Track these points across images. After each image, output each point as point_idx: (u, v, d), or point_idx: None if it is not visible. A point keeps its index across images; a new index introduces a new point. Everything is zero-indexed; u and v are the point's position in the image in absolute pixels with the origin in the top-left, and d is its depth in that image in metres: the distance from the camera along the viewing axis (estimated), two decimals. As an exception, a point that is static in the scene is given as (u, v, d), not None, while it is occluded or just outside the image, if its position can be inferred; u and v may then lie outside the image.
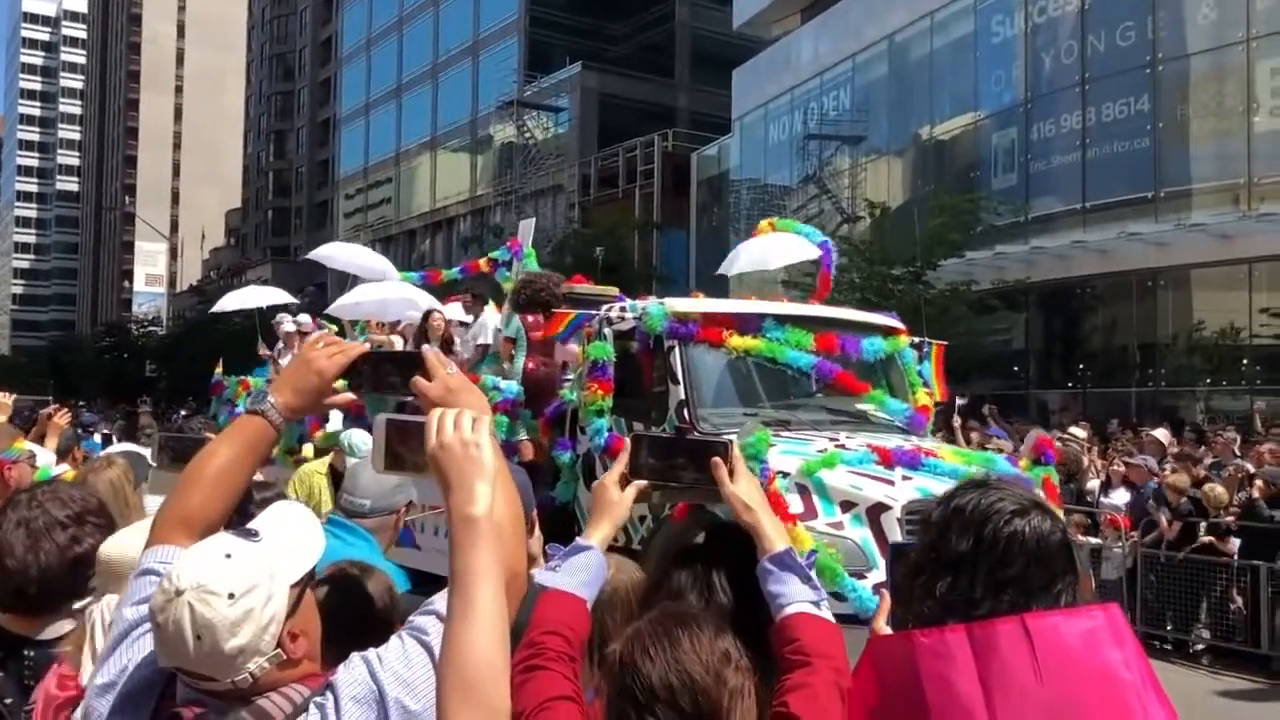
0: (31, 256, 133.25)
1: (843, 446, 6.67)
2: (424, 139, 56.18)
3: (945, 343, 9.50)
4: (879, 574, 5.70)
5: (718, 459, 2.02)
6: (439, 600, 1.62)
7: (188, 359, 46.12)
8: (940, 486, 5.89)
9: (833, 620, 1.91)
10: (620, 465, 2.05)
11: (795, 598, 1.89)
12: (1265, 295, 20.92)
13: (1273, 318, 20.67)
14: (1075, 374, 24.99)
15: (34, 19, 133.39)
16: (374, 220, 59.64)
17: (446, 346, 9.50)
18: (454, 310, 10.64)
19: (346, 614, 2.01)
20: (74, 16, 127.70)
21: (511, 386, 8.21)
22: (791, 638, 1.84)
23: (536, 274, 9.34)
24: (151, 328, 64.49)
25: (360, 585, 2.23)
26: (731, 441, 2.12)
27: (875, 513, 6.16)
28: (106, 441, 11.42)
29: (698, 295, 8.54)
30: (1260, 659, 9.62)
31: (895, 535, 5.97)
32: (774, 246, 9.65)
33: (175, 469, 2.70)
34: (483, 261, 11.37)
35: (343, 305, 11.33)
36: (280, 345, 12.71)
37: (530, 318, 8.50)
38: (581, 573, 1.93)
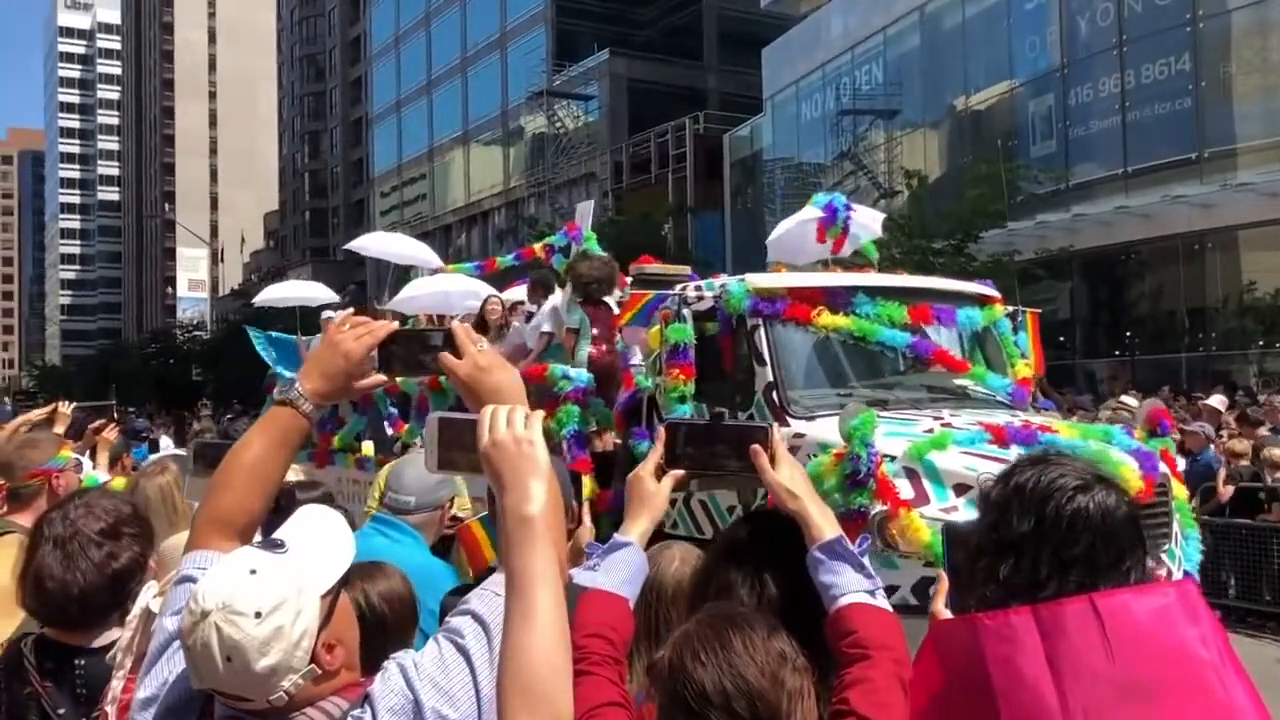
0: (77, 267, 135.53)
1: (949, 425, 6.23)
2: (456, 133, 56.37)
3: (1039, 310, 8.99)
4: None
5: (757, 446, 1.92)
6: (475, 600, 1.57)
7: (233, 362, 46.64)
8: None
9: (889, 609, 1.84)
10: (656, 455, 1.97)
11: (849, 587, 1.80)
12: (1317, 253, 20.49)
13: (1325, 276, 20.25)
14: (1123, 341, 24.61)
15: (69, 32, 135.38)
16: (410, 217, 59.94)
17: (500, 331, 9.32)
18: (515, 293, 10.30)
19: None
20: (108, 28, 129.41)
21: (582, 375, 7.89)
22: (848, 630, 1.76)
23: (593, 256, 8.91)
24: (196, 332, 65.28)
25: (369, 601, 2.19)
26: (773, 426, 2.03)
27: None
28: (154, 448, 11.54)
29: (780, 269, 8.01)
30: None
31: None
32: (784, 223, 9.30)
33: (209, 474, 2.68)
34: (538, 247, 10.96)
35: (401, 300, 11.06)
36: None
37: (591, 305, 8.23)
38: (622, 570, 1.85)
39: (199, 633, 1.50)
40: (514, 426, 1.53)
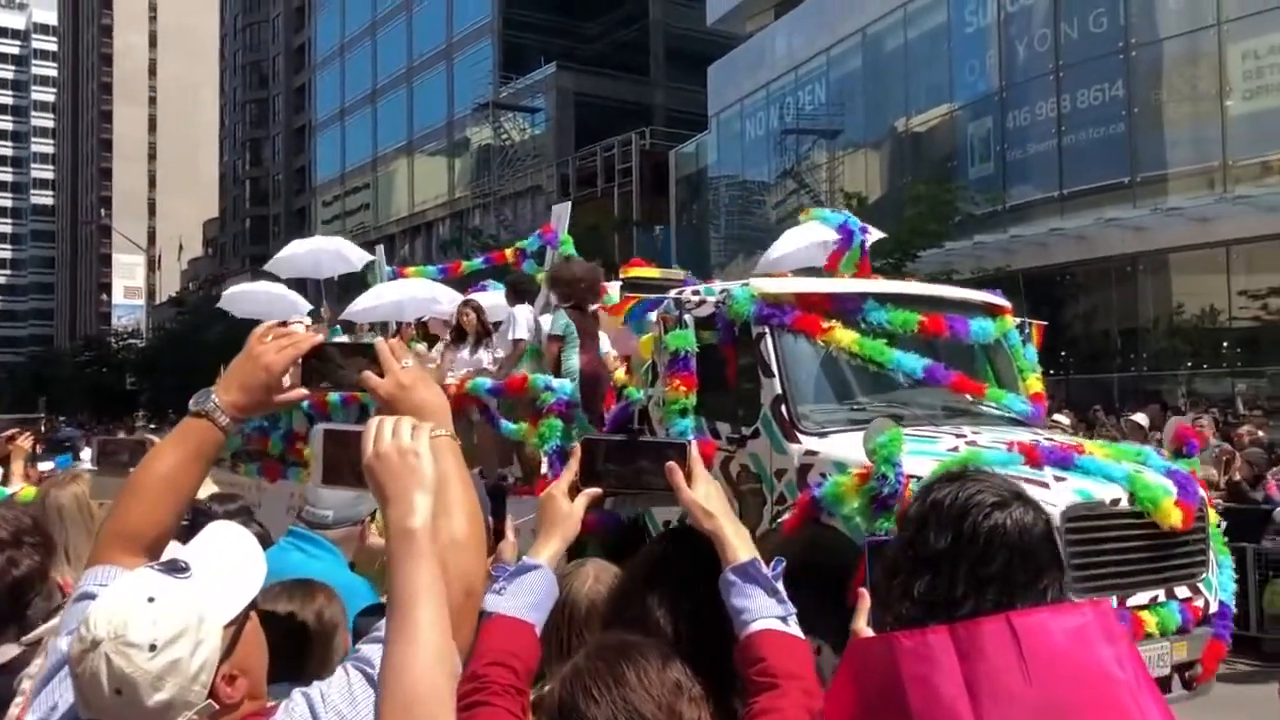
0: (8, 272, 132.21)
1: (974, 444, 5.85)
2: (400, 143, 56.01)
3: (1045, 324, 8.52)
4: None
5: (673, 464, 1.85)
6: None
7: (169, 370, 45.84)
8: (1100, 488, 5.45)
9: (801, 636, 1.80)
10: (570, 473, 1.89)
11: (761, 613, 1.74)
12: (1243, 277, 21.00)
13: (1251, 299, 20.76)
14: (1057, 360, 25.02)
15: (3, 32, 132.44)
16: (352, 226, 59.37)
17: (479, 340, 8.96)
18: (489, 298, 9.92)
19: (281, 644, 1.84)
20: (44, 29, 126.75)
21: (565, 386, 7.46)
22: (757, 657, 1.70)
23: (569, 267, 8.52)
24: (131, 340, 64.07)
25: (292, 614, 2.11)
26: (690, 443, 1.95)
27: None
28: (77, 457, 11.23)
29: (785, 274, 7.49)
30: (1249, 641, 9.60)
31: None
32: (789, 237, 8.65)
33: (115, 474, 2.58)
34: (508, 251, 10.63)
35: (356, 310, 10.70)
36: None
37: (575, 312, 7.81)
38: (529, 594, 1.76)
39: (88, 662, 1.40)
40: (399, 438, 1.48)
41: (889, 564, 1.81)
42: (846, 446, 5.75)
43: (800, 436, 6.12)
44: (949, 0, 26.05)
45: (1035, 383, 7.21)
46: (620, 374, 8.07)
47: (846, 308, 6.54)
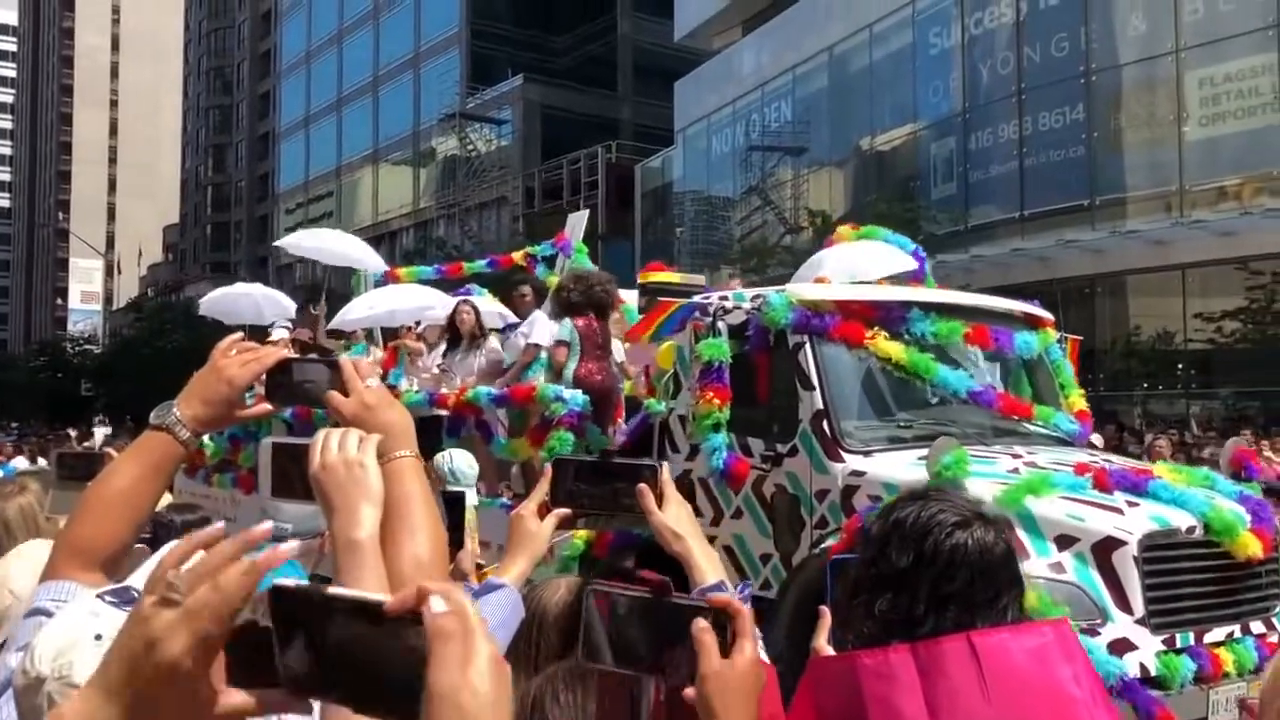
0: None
1: (1034, 465, 5.42)
2: (365, 152, 55.74)
3: (1080, 338, 8.11)
4: (1116, 628, 4.73)
5: (644, 486, 1.75)
6: None
7: (125, 377, 45.24)
8: (1177, 516, 5.05)
9: (765, 659, 1.79)
10: (540, 493, 1.88)
11: None
12: (1198, 300, 21.34)
13: (1205, 322, 21.10)
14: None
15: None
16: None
17: (473, 341, 8.61)
18: (486, 303, 9.58)
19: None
20: (3, 29, 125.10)
21: (577, 398, 7.11)
22: None
23: (587, 271, 8.25)
24: (87, 346, 63.14)
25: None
26: (661, 465, 1.86)
27: (1104, 550, 4.84)
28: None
29: (823, 280, 7.06)
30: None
31: (1132, 578, 4.78)
32: (867, 256, 7.92)
33: (72, 487, 2.53)
34: (518, 255, 10.27)
35: (347, 319, 10.21)
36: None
37: (582, 320, 7.54)
38: (495, 614, 1.76)
39: (30, 696, 1.35)
40: (345, 449, 1.47)
41: (851, 583, 1.82)
42: (896, 466, 5.44)
43: (844, 455, 5.72)
44: (914, 22, 26.34)
45: (1078, 399, 6.79)
46: (628, 385, 7.82)
47: (890, 317, 6.09)
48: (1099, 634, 4.67)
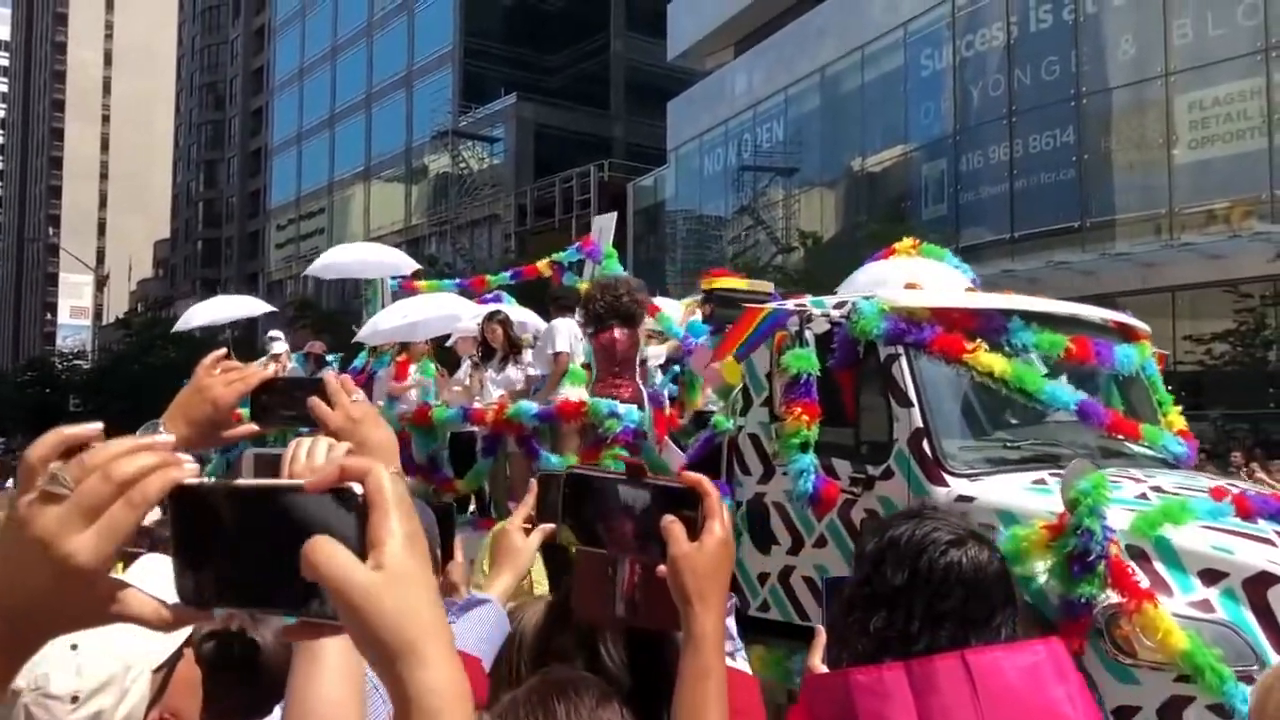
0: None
1: (1161, 490, 4.91)
2: (358, 169, 55.82)
3: (1166, 353, 7.60)
4: None
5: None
6: None
7: (116, 393, 45.07)
8: None
9: (749, 671, 1.79)
10: (526, 508, 1.87)
11: None
12: (1188, 323, 21.43)
13: (1195, 344, 21.19)
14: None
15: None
16: (306, 251, 58.97)
17: (507, 356, 8.25)
18: (515, 313, 9.26)
19: (228, 673, 1.78)
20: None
21: (632, 413, 6.71)
22: None
23: (614, 279, 7.82)
24: (77, 361, 62.92)
25: (242, 637, 2.07)
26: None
27: (1258, 586, 4.29)
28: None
29: (915, 286, 6.52)
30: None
31: None
32: (929, 273, 7.14)
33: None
34: (542, 264, 9.93)
35: (372, 333, 9.77)
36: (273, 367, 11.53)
37: (605, 335, 7.17)
38: (479, 629, 1.76)
39: (5, 711, 1.33)
40: (313, 459, 1.46)
41: (846, 601, 1.82)
42: (1009, 491, 4.99)
43: (948, 478, 5.18)
44: (905, 44, 26.52)
45: (1178, 418, 6.24)
46: (696, 398, 7.41)
47: (991, 327, 5.59)
48: (1255, 680, 4.17)
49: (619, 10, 48.65)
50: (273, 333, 12.04)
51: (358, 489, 0.84)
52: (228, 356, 1.83)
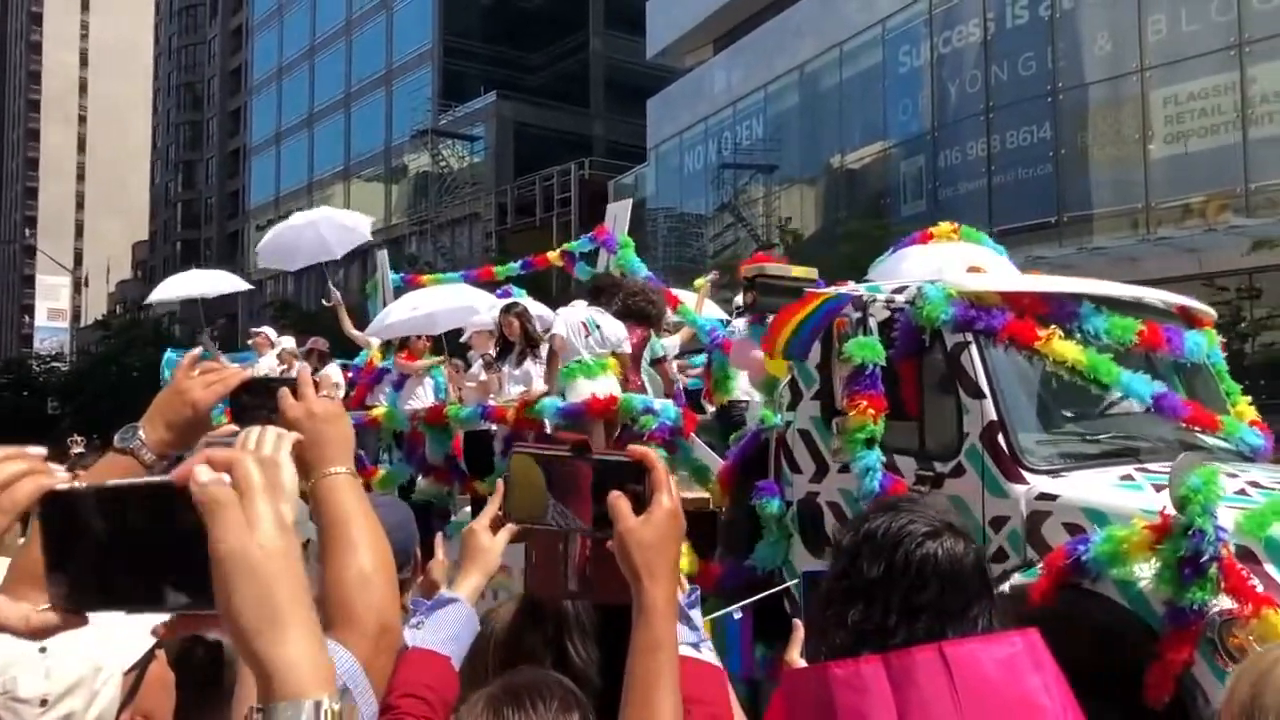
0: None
1: (1257, 484, 4.58)
2: (337, 168, 55.55)
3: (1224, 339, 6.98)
4: None
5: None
6: None
7: (94, 395, 44.76)
8: None
9: (715, 662, 1.79)
10: (494, 506, 1.84)
11: None
12: (1165, 316, 21.57)
13: (1173, 338, 21.32)
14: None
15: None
16: (286, 251, 58.79)
17: (524, 351, 7.82)
18: (536, 307, 8.85)
19: (198, 675, 1.76)
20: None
21: (669, 409, 6.38)
22: None
23: (631, 279, 7.65)
24: (54, 363, 62.42)
25: (205, 640, 2.04)
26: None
27: None
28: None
29: (977, 270, 6.08)
30: None
31: None
32: (978, 260, 6.79)
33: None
34: (552, 255, 9.66)
35: (383, 326, 9.23)
36: (258, 358, 10.85)
37: (638, 332, 6.99)
38: (446, 628, 1.75)
39: None
40: (260, 448, 1.46)
41: (823, 594, 1.82)
42: (1096, 488, 4.67)
43: (1027, 475, 4.84)
44: (884, 41, 26.58)
45: (1247, 408, 5.82)
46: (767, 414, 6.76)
47: (1062, 312, 5.21)
48: None
49: (598, 8, 48.59)
50: (269, 331, 11.84)
51: (201, 475, 0.87)
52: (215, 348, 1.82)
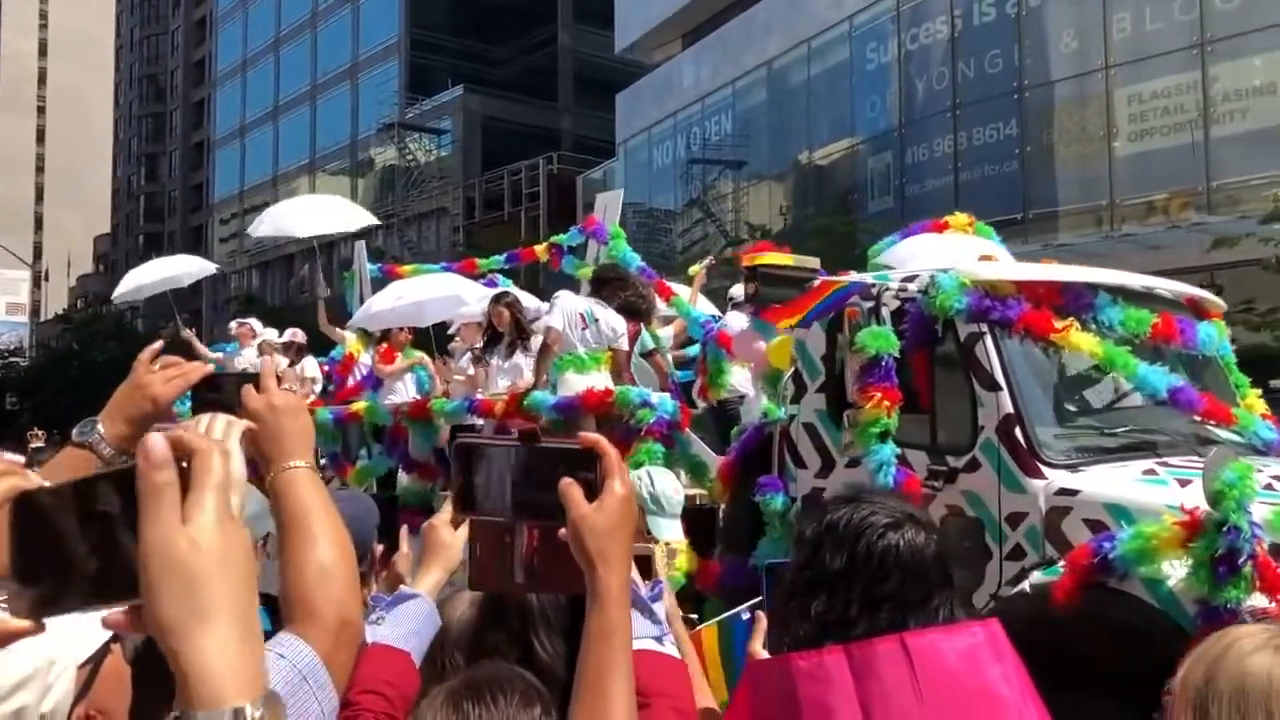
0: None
1: None
2: (302, 162, 55.12)
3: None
4: None
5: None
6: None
7: (54, 391, 44.17)
8: None
9: (677, 655, 1.79)
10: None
11: (636, 634, 1.64)
12: (1128, 312, 21.81)
13: (1136, 334, 21.57)
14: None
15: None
16: (250, 245, 58.22)
17: (514, 343, 7.58)
18: (526, 297, 8.62)
19: (150, 675, 1.76)
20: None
21: (666, 403, 6.20)
22: None
23: (630, 277, 7.44)
24: (13, 359, 61.56)
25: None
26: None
27: None
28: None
29: (991, 258, 6.00)
30: None
31: None
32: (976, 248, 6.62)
33: None
34: (539, 248, 9.36)
35: (369, 315, 8.94)
36: (241, 349, 10.64)
37: (631, 326, 6.94)
38: (406, 623, 1.75)
39: None
40: (210, 435, 1.43)
41: (786, 586, 1.82)
42: (1119, 483, 4.55)
43: (1045, 470, 4.72)
44: (851, 37, 26.69)
45: (1257, 402, 5.72)
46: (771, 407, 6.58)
47: (1078, 303, 5.07)
48: None
49: (566, 2, 48.46)
50: (254, 323, 11.66)
51: (154, 450, 0.84)
52: (186, 350, 1.80)
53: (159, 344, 1.82)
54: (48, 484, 0.89)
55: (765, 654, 2.00)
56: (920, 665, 1.63)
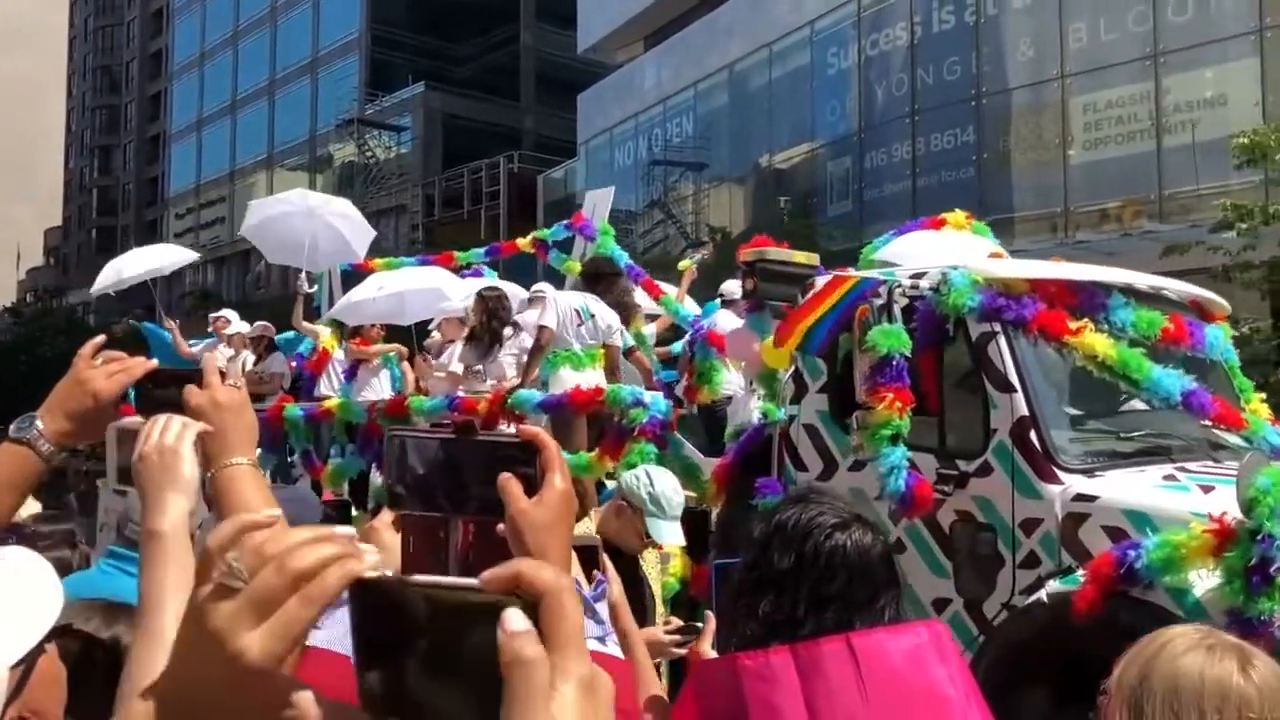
0: None
1: None
2: (260, 157, 54.54)
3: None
4: None
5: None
6: None
7: (2, 386, 43.40)
8: None
9: (620, 655, 1.78)
10: None
11: None
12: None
13: (1088, 339, 21.87)
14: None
15: None
16: (206, 240, 57.50)
17: (495, 338, 7.35)
18: (516, 289, 8.41)
19: (88, 677, 1.68)
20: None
21: (659, 402, 6.04)
22: None
23: (620, 266, 7.45)
24: (-40, 353, 60.48)
25: (101, 641, 1.98)
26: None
27: None
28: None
29: (999, 255, 5.88)
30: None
31: None
32: (977, 247, 6.60)
33: None
34: (522, 241, 9.15)
35: (346, 306, 8.68)
36: (222, 345, 10.36)
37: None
38: (346, 626, 1.72)
39: None
40: (165, 436, 1.43)
41: (734, 586, 1.83)
42: (1138, 489, 4.42)
43: (1061, 475, 4.59)
44: (812, 42, 26.85)
45: (1261, 406, 5.58)
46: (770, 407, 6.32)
47: (1091, 303, 4.94)
48: None
49: (529, 1, 48.35)
50: (228, 313, 11.39)
51: (513, 623, 0.71)
52: (135, 346, 1.77)
53: (101, 338, 1.79)
54: (388, 574, 0.79)
55: (712, 654, 2.01)
56: (866, 665, 1.64)
